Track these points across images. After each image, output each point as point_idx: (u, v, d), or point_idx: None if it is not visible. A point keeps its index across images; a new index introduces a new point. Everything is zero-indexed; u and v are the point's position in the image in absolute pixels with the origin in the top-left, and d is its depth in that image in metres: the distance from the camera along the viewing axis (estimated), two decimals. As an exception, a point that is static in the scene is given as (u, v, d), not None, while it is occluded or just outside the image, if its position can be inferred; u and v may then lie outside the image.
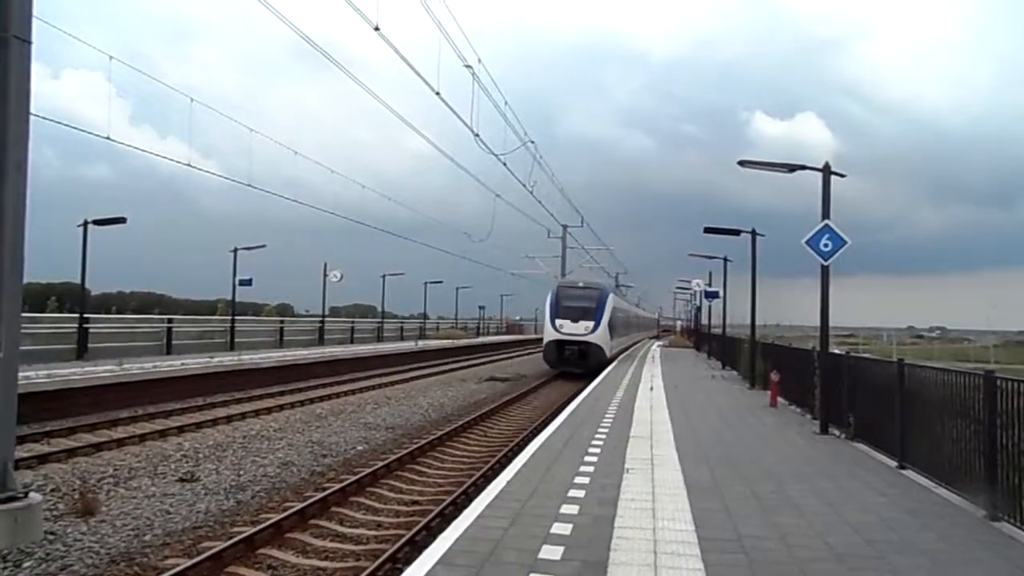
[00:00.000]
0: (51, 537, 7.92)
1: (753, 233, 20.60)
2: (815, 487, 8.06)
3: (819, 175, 12.22)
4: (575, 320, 29.50)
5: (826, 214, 11.97)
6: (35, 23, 8.02)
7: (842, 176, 12.36)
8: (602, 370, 26.55)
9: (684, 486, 7.88)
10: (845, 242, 11.77)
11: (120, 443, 13.06)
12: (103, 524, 8.59)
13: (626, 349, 41.64)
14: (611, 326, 30.68)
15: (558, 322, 29.70)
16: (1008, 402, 6.39)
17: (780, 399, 16.19)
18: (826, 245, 11.80)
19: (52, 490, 9.86)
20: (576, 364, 28.92)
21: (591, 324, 29.50)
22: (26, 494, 7.76)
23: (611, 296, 32.50)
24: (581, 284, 32.35)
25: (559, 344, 29.63)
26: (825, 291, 12.27)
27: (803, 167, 12.68)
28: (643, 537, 5.94)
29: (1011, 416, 6.34)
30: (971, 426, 7.13)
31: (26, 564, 7.15)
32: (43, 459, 11.47)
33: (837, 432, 11.74)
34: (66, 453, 11.96)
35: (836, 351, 15.21)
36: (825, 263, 11.93)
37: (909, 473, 8.70)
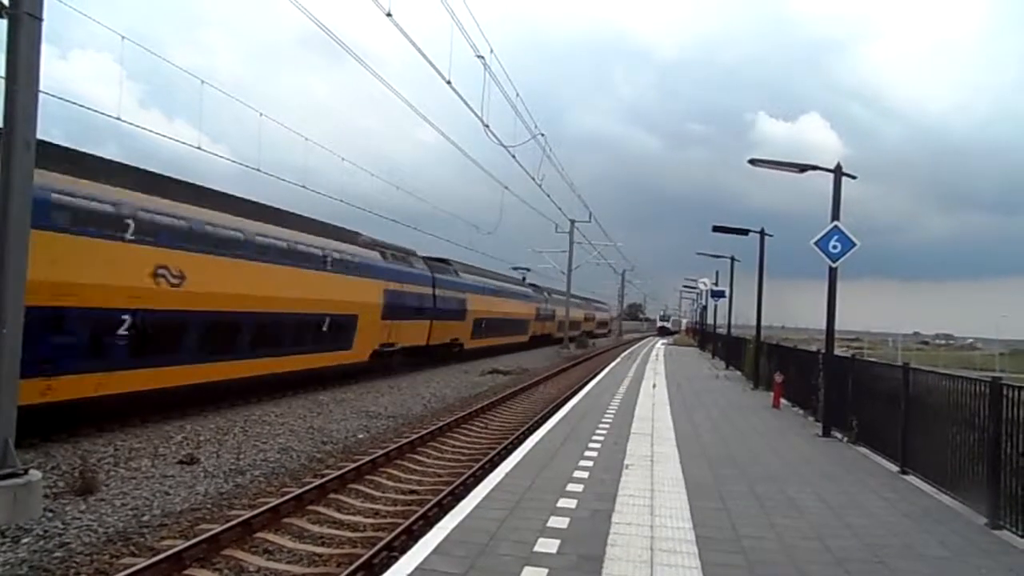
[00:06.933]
0: (50, 514, 7.96)
1: (762, 233, 20.47)
2: (816, 489, 8.02)
3: (827, 176, 12.12)
4: (667, 320, 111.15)
5: (836, 215, 11.86)
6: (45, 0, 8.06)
7: (853, 178, 12.25)
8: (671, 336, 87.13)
9: (684, 484, 7.85)
10: (854, 244, 11.68)
11: (122, 424, 13.11)
12: (102, 503, 8.62)
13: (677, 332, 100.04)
14: (674, 323, 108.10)
15: (661, 322, 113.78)
16: (1013, 410, 6.33)
17: (783, 400, 16.13)
18: (835, 247, 11.71)
19: (52, 468, 9.91)
20: (666, 333, 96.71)
21: (670, 324, 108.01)
22: (26, 471, 7.85)
23: (673, 317, 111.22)
24: (669, 314, 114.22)
25: (662, 328, 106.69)
26: (832, 293, 12.17)
27: (814, 167, 12.56)
28: (640, 534, 5.92)
29: (1016, 424, 6.28)
30: (975, 433, 7.07)
31: (24, 540, 7.17)
32: (45, 437, 11.52)
33: (839, 435, 11.68)
34: (67, 432, 12.00)
35: (841, 354, 15.11)
36: (833, 265, 11.83)
37: (911, 478, 8.65)
